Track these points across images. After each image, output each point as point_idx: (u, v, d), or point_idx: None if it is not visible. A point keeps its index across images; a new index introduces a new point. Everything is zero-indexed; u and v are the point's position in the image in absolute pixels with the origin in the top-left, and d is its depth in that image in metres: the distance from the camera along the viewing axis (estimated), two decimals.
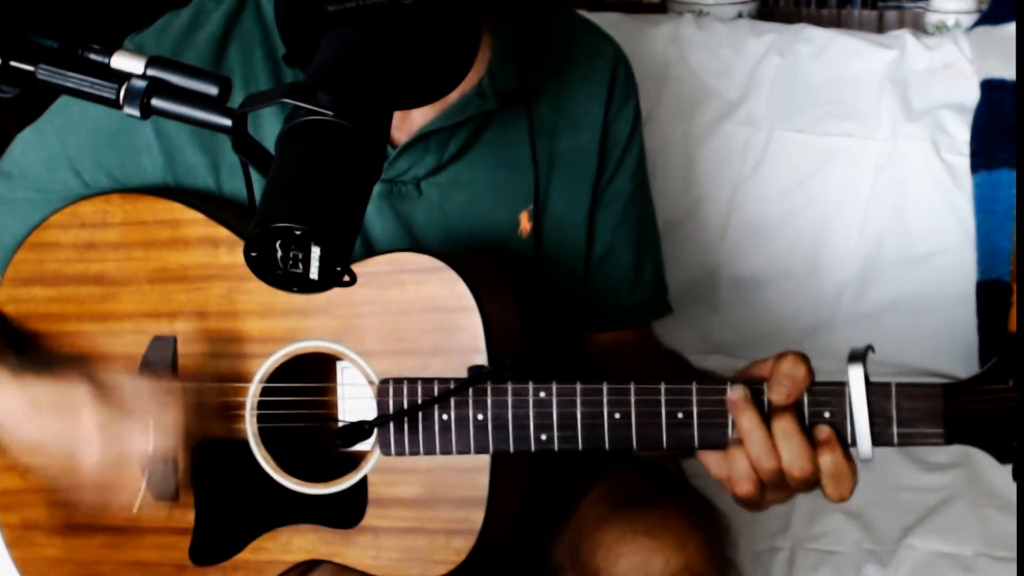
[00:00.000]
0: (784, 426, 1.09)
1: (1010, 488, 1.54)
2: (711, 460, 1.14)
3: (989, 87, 1.83)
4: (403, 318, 1.20)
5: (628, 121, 1.41)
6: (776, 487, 1.11)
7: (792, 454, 1.08)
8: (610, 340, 1.46)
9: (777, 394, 1.10)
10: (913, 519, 1.55)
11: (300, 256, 0.88)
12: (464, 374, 1.17)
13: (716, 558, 1.24)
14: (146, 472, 1.18)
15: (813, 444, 1.09)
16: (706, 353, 1.87)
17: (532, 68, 1.33)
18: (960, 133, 1.83)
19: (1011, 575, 1.45)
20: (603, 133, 1.38)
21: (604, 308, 1.44)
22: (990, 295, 1.79)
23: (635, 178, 1.44)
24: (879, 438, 1.10)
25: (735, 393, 1.10)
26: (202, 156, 1.29)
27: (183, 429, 1.16)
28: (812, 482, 1.10)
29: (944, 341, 1.83)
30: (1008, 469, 1.11)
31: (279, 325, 1.23)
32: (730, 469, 1.11)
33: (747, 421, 1.09)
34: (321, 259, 0.88)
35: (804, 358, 1.10)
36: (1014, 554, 1.47)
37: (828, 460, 1.08)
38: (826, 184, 1.87)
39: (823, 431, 1.09)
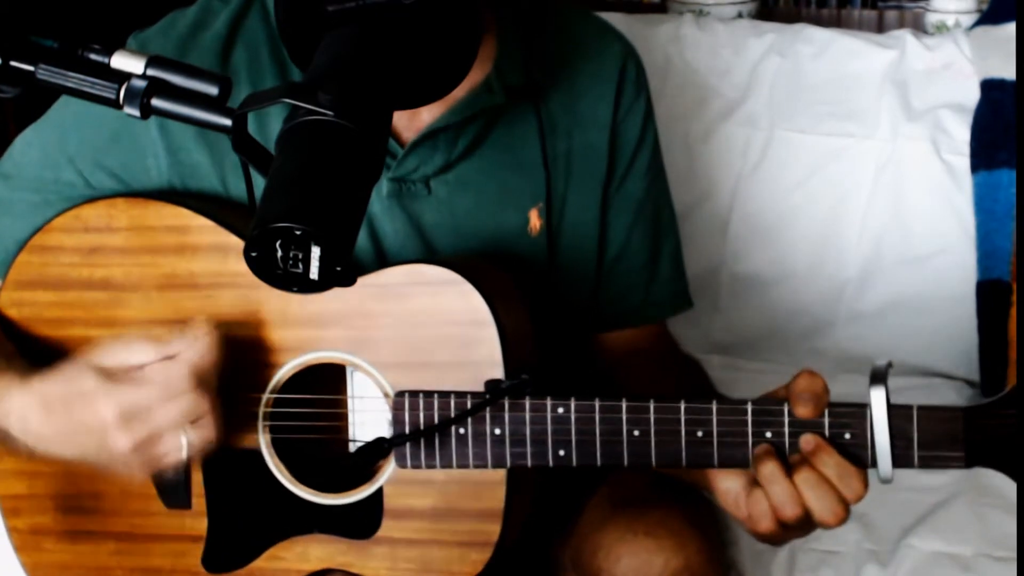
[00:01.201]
0: (807, 476, 1.09)
1: (1010, 488, 1.54)
2: (730, 502, 1.14)
3: (989, 87, 1.83)
4: (419, 330, 1.19)
5: (639, 119, 1.40)
6: (799, 527, 1.11)
7: (821, 503, 1.08)
8: (623, 340, 1.45)
9: (804, 408, 1.09)
10: (913, 519, 1.55)
11: (300, 256, 0.87)
12: (480, 387, 1.16)
13: (716, 558, 1.24)
14: (184, 440, 1.14)
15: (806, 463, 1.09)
16: (707, 353, 1.87)
17: (539, 64, 1.33)
18: (960, 133, 1.83)
19: (1011, 575, 1.45)
20: (613, 132, 1.37)
21: (618, 308, 1.43)
22: (990, 295, 1.78)
23: (648, 175, 1.42)
24: (900, 460, 1.09)
25: (758, 449, 1.10)
26: (207, 156, 1.28)
27: (204, 384, 1.14)
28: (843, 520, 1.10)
29: (944, 341, 1.83)
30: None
31: (293, 335, 1.22)
32: (750, 508, 1.11)
33: (768, 470, 1.09)
34: (321, 259, 0.87)
35: (817, 373, 1.10)
36: (1014, 554, 1.46)
37: (829, 464, 1.08)
38: (826, 184, 1.87)
39: (808, 441, 1.09)
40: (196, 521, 1.25)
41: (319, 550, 1.23)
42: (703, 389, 1.39)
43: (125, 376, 1.14)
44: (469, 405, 1.16)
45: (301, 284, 0.89)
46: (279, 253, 0.87)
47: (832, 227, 1.87)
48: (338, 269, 0.88)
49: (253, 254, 0.88)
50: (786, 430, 1.10)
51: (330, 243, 0.87)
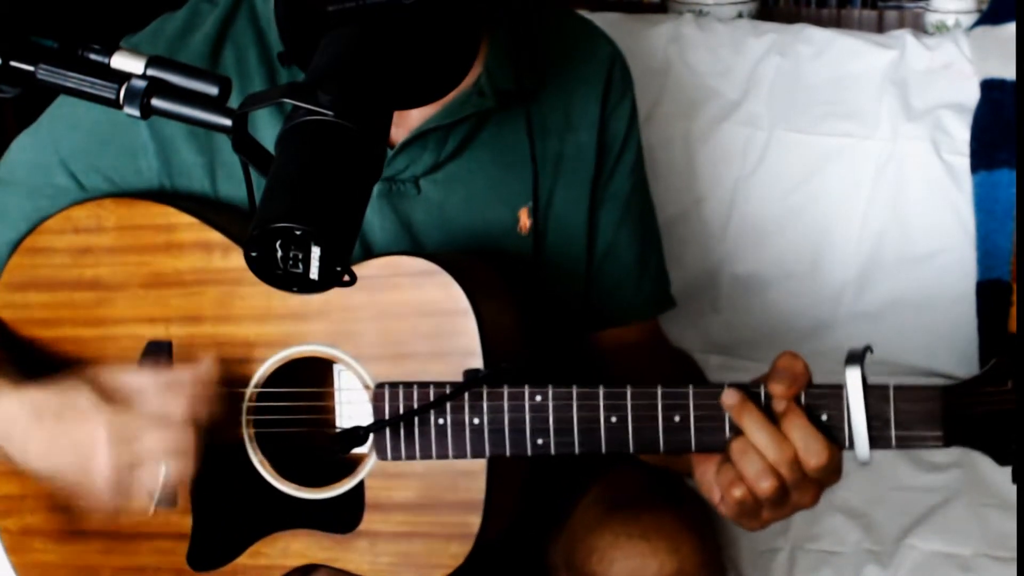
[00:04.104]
0: (793, 421, 1.09)
1: (1010, 488, 1.53)
2: (704, 488, 1.15)
3: (989, 87, 1.83)
4: (399, 322, 1.20)
5: (625, 118, 1.42)
6: (775, 504, 1.11)
7: (806, 444, 1.08)
8: (615, 337, 1.45)
9: (778, 385, 1.09)
10: (913, 519, 1.55)
11: (300, 256, 0.88)
12: (460, 378, 1.17)
13: (711, 560, 1.24)
14: (163, 471, 1.14)
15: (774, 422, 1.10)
16: (706, 353, 1.87)
17: (529, 67, 1.33)
18: (960, 133, 1.83)
19: (1011, 575, 1.45)
20: (601, 131, 1.39)
21: (609, 305, 1.44)
22: (990, 295, 1.78)
23: (634, 174, 1.44)
24: (877, 441, 1.09)
25: (730, 397, 1.10)
26: (198, 156, 1.29)
27: (195, 420, 1.14)
28: (823, 474, 1.10)
29: (944, 341, 1.83)
30: (1008, 469, 1.11)
31: (275, 329, 1.23)
32: (720, 482, 1.12)
33: (749, 420, 1.09)
34: (321, 259, 0.88)
35: (798, 355, 1.10)
36: (1014, 554, 1.46)
37: (795, 428, 1.08)
38: (826, 184, 1.87)
39: (779, 403, 1.09)
40: (181, 518, 1.26)
41: (301, 545, 1.24)
42: (694, 380, 1.39)
43: (121, 398, 1.14)
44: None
45: (301, 284, 0.89)
46: (279, 253, 0.88)
47: (832, 227, 1.87)
48: (338, 269, 0.88)
49: (253, 254, 0.88)
50: (762, 406, 1.10)
51: (330, 243, 0.87)
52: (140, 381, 1.16)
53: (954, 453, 1.63)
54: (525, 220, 1.35)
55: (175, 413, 1.13)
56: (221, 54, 1.29)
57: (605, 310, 1.44)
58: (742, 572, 1.49)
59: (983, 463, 1.60)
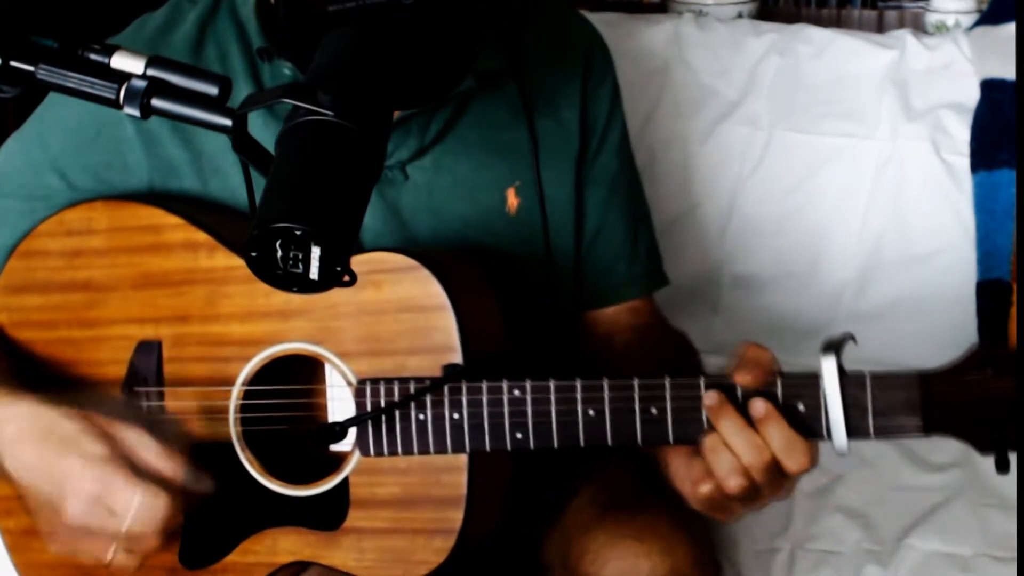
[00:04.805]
0: (773, 424, 1.08)
1: (1010, 488, 1.54)
2: (676, 481, 1.15)
3: (989, 87, 1.83)
4: (379, 318, 1.20)
5: (607, 98, 1.42)
6: (745, 499, 1.11)
7: (785, 449, 1.08)
8: (611, 320, 1.45)
9: (743, 376, 1.10)
10: (913, 519, 1.55)
11: (300, 256, 0.88)
12: (439, 373, 1.17)
13: (705, 561, 1.24)
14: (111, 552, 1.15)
15: (752, 424, 1.09)
16: (706, 353, 1.86)
17: (510, 49, 1.34)
18: (960, 133, 1.83)
19: (1011, 575, 1.45)
20: (583, 109, 1.39)
21: (602, 283, 1.44)
22: (990, 295, 1.79)
23: (620, 153, 1.44)
24: (855, 430, 1.08)
25: (711, 399, 1.10)
26: (182, 151, 1.29)
27: (168, 490, 1.13)
28: (801, 474, 1.10)
29: (944, 341, 1.83)
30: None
31: (260, 328, 1.23)
32: (691, 475, 1.12)
33: (727, 423, 1.09)
34: (321, 259, 0.88)
35: (764, 347, 1.11)
36: (1014, 554, 1.47)
37: (774, 433, 1.08)
38: (826, 184, 1.87)
39: (758, 407, 1.09)
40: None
41: (288, 543, 1.24)
42: (689, 364, 1.39)
43: (108, 439, 1.13)
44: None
45: (301, 284, 0.89)
46: (279, 253, 0.88)
47: (832, 227, 1.87)
48: (338, 269, 0.88)
49: (253, 254, 0.88)
50: (740, 404, 1.10)
51: (330, 243, 0.87)
52: (128, 436, 1.14)
53: (954, 453, 1.64)
54: (512, 200, 1.35)
55: (149, 531, 1.12)
56: (203, 52, 1.30)
57: (597, 289, 1.44)
58: (741, 572, 1.49)
59: (983, 463, 1.60)
